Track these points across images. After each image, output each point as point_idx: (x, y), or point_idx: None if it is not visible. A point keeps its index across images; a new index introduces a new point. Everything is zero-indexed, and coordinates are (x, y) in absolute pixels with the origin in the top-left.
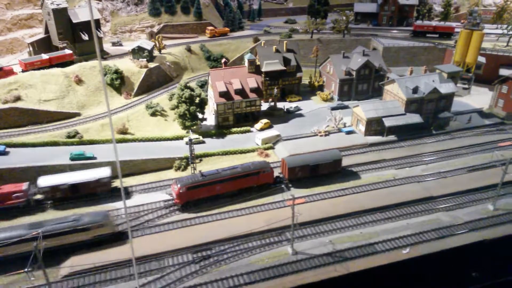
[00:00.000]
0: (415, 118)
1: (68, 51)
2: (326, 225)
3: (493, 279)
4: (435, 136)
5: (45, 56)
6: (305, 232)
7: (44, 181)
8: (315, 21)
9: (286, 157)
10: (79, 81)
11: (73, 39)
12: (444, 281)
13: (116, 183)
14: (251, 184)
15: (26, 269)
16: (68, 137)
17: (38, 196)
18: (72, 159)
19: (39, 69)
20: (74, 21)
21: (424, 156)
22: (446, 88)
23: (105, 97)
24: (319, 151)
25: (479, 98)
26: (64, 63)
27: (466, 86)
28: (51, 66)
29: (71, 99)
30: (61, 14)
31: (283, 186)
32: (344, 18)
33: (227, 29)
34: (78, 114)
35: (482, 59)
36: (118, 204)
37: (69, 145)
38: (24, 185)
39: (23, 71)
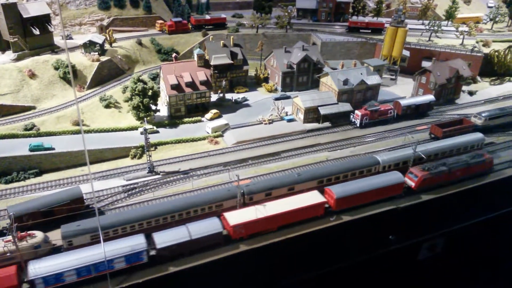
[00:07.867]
0: (346, 107)
1: (223, 15)
2: None
3: (406, 241)
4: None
5: (208, 17)
6: None
7: None
8: (260, 16)
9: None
10: (32, 75)
11: (24, 34)
12: (367, 243)
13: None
14: None
15: None
16: (26, 129)
17: None
18: (31, 150)
19: (204, 25)
20: (25, 16)
21: (353, 140)
22: (372, 80)
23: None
24: (57, 192)
25: (404, 87)
26: (220, 24)
27: (393, 77)
28: (211, 24)
29: (26, 93)
30: (11, 9)
31: None
32: (286, 14)
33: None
34: (33, 107)
35: (406, 53)
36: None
37: (27, 137)
38: None
39: (192, 26)
